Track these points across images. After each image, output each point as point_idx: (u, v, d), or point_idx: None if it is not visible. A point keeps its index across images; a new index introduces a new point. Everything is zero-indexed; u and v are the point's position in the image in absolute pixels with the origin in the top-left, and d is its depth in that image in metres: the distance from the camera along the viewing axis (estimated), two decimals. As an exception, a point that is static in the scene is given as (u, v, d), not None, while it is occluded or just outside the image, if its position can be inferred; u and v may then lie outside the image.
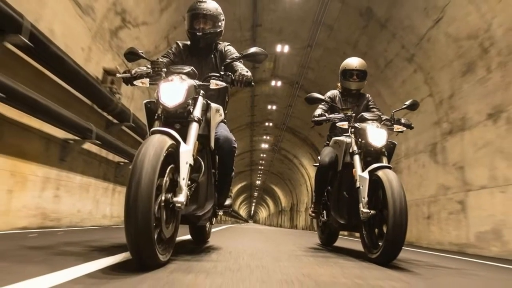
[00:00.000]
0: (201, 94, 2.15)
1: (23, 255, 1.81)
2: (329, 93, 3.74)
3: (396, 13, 6.69)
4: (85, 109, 4.67)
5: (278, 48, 10.62)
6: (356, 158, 2.84)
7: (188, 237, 3.36)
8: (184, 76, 2.07)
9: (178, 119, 2.06)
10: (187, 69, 2.16)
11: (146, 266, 1.54)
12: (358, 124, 2.97)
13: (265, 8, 8.81)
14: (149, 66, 2.25)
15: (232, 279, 1.49)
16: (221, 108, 2.37)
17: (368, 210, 2.54)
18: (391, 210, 2.27)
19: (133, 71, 2.28)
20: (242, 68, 2.49)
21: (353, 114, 3.15)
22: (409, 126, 3.13)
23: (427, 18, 5.98)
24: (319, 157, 3.57)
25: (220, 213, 2.86)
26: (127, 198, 1.48)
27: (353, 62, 3.64)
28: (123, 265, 1.63)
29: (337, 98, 3.69)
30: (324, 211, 3.60)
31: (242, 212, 63.19)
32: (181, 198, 1.74)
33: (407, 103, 3.08)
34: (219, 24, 2.68)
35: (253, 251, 2.87)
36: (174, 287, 1.26)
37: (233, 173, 2.62)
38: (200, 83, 2.17)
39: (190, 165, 1.84)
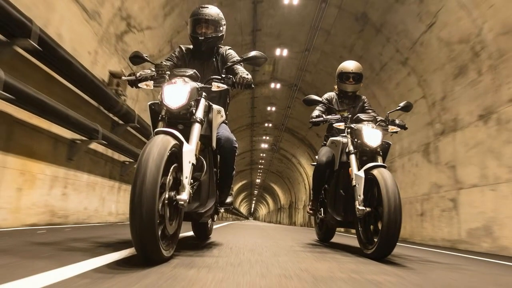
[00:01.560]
0: (203, 96, 2.18)
1: (32, 250, 1.83)
2: (326, 95, 3.78)
3: (390, 18, 6.77)
4: (92, 111, 4.72)
5: (277, 51, 10.72)
6: (352, 158, 2.88)
7: (191, 233, 3.43)
8: (187, 79, 2.09)
9: (181, 120, 2.09)
10: (190, 72, 2.18)
11: (150, 261, 1.57)
12: (354, 125, 3.02)
13: (265, 14, 8.89)
14: (153, 69, 2.29)
15: (233, 274, 1.52)
16: (222, 109, 2.41)
17: (363, 208, 2.58)
18: (386, 208, 2.31)
19: (138, 74, 2.31)
20: (242, 71, 2.54)
21: (349, 115, 3.20)
22: (403, 127, 3.16)
23: (421, 23, 6.06)
24: (316, 157, 3.60)
25: (222, 210, 2.92)
26: (132, 196, 1.50)
27: (349, 65, 3.68)
28: (128, 260, 1.66)
29: (334, 99, 3.74)
30: (322, 209, 3.63)
31: (243, 209, 62.95)
32: (184, 196, 1.77)
33: (401, 104, 3.13)
34: (221, 28, 2.72)
35: (253, 246, 2.91)
36: (177, 281, 1.28)
37: (234, 172, 2.65)
38: (202, 85, 2.20)
39: (192, 164, 1.86)
